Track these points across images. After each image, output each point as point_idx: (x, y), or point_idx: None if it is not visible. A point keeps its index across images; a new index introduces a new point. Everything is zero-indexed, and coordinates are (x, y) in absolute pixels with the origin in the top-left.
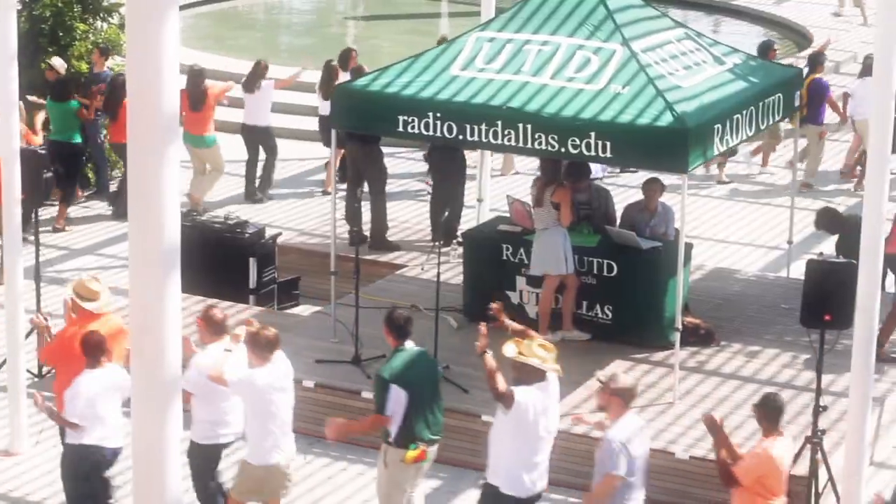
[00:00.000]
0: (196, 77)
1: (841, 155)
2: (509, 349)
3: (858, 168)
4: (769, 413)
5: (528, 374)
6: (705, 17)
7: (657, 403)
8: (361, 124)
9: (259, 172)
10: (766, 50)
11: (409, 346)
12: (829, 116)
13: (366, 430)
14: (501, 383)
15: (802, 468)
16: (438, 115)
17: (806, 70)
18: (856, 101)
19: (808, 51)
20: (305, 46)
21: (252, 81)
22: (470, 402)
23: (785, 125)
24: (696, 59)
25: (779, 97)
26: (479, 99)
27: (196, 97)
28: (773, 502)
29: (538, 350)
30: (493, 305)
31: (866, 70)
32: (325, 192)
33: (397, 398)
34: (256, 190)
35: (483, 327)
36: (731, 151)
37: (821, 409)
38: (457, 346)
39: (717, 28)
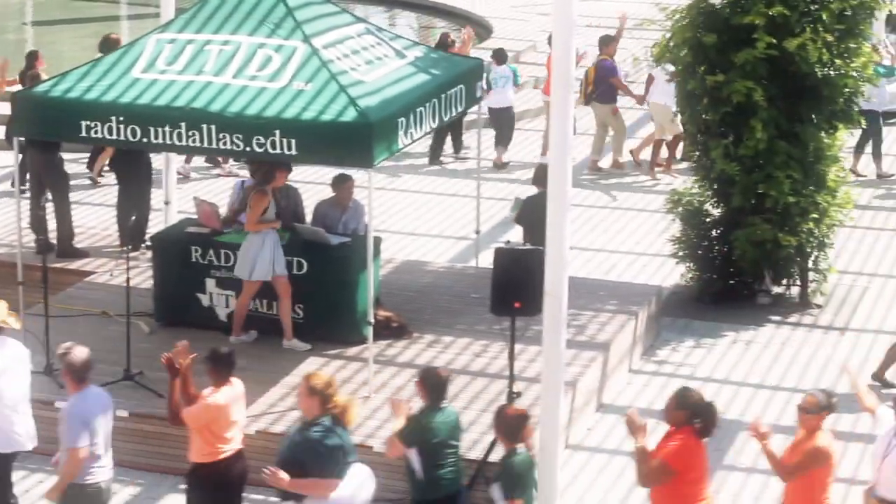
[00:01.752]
0: None
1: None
2: None
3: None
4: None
5: None
6: (385, 11)
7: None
8: (43, 131)
9: None
10: (444, 45)
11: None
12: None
13: None
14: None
15: (499, 455)
16: (121, 118)
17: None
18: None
19: (492, 40)
20: None
21: None
22: (165, 408)
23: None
24: (378, 53)
25: (461, 89)
26: (162, 101)
27: None
28: (222, 447)
29: None
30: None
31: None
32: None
33: None
34: None
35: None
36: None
37: (515, 396)
38: (149, 351)
39: (395, 22)
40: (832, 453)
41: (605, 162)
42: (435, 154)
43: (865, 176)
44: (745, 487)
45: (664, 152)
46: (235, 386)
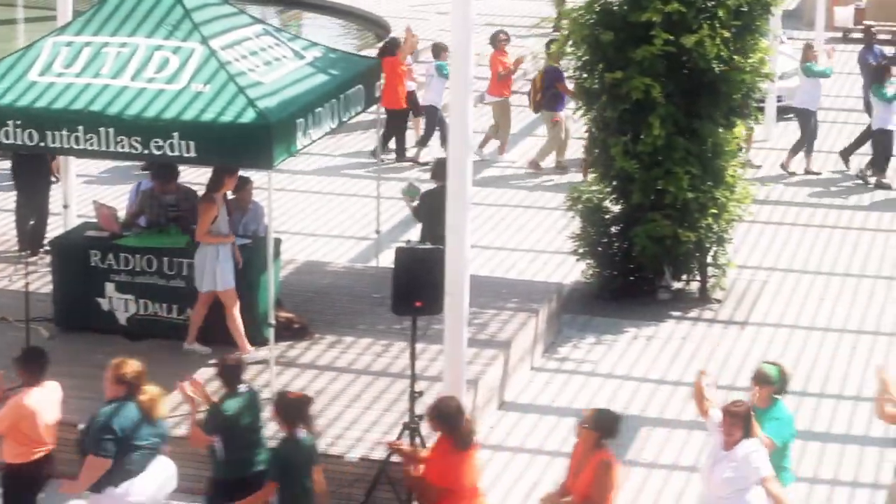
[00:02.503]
0: None
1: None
2: None
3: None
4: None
5: None
6: (284, 12)
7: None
8: None
9: None
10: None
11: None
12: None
13: None
14: None
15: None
16: (18, 122)
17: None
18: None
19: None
20: None
21: None
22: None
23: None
24: (276, 54)
25: (360, 88)
26: (60, 104)
27: None
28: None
29: None
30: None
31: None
32: None
33: None
34: None
35: None
36: None
37: (417, 395)
38: (49, 356)
39: (295, 22)
40: None
41: (549, 162)
42: (400, 153)
43: (795, 173)
44: (647, 483)
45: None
46: (48, 388)
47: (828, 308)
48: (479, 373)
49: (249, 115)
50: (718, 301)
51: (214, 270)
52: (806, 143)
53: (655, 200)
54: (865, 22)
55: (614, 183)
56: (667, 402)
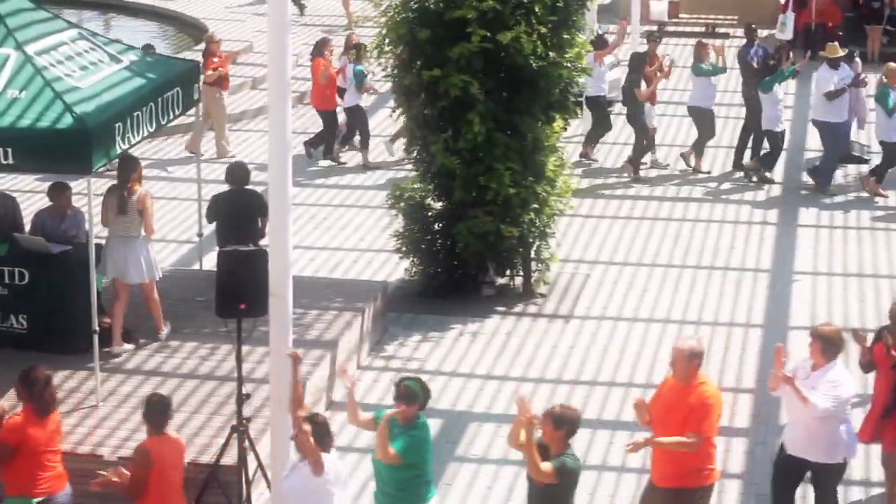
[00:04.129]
0: None
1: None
2: None
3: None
4: None
5: None
6: (100, 15)
7: (82, 407)
8: None
9: None
10: None
11: None
12: None
13: None
14: None
15: (231, 457)
16: None
17: None
18: None
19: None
20: None
21: None
22: None
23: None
24: (93, 58)
25: (177, 91)
26: None
27: None
28: None
29: None
30: None
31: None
32: None
33: None
34: None
35: None
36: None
37: (245, 398)
38: None
39: (110, 25)
40: None
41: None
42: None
43: (710, 172)
44: (476, 478)
45: None
46: None
47: (650, 299)
48: (306, 373)
49: (67, 121)
50: (542, 295)
51: (140, 261)
52: (699, 141)
53: (477, 197)
54: (682, 15)
55: (436, 180)
56: (494, 397)
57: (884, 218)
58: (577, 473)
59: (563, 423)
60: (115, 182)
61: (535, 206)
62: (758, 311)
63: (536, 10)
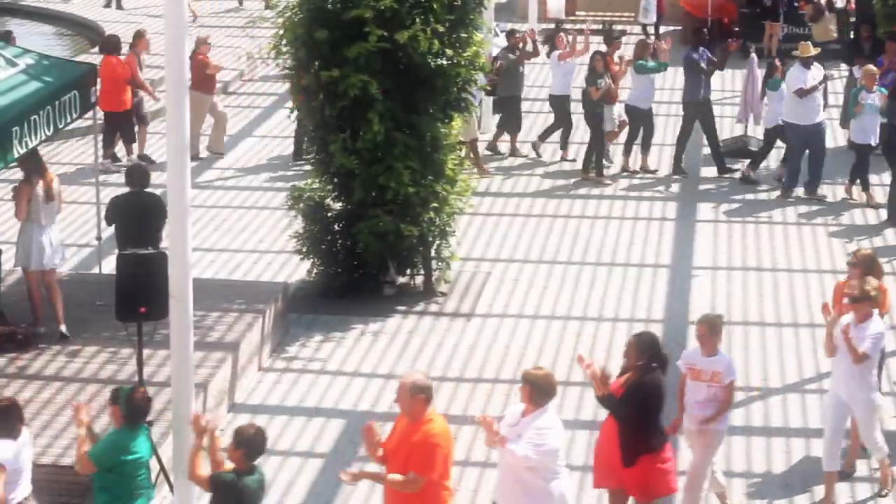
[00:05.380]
0: None
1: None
2: None
3: None
4: None
5: None
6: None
7: None
8: None
9: None
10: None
11: None
12: None
13: None
14: None
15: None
16: None
17: None
18: None
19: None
20: None
21: None
22: None
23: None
24: None
25: (74, 95)
26: None
27: None
28: None
29: None
30: None
31: None
32: None
33: None
34: None
35: None
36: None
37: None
38: None
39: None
40: None
41: None
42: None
43: (636, 172)
44: None
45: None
46: None
47: (551, 296)
48: (207, 376)
49: None
50: (443, 294)
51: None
52: (643, 140)
53: (377, 196)
54: (578, 12)
55: (335, 180)
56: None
57: (781, 212)
58: (238, 492)
59: (242, 444)
60: (22, 179)
61: (435, 204)
62: (658, 306)
63: (434, 8)
